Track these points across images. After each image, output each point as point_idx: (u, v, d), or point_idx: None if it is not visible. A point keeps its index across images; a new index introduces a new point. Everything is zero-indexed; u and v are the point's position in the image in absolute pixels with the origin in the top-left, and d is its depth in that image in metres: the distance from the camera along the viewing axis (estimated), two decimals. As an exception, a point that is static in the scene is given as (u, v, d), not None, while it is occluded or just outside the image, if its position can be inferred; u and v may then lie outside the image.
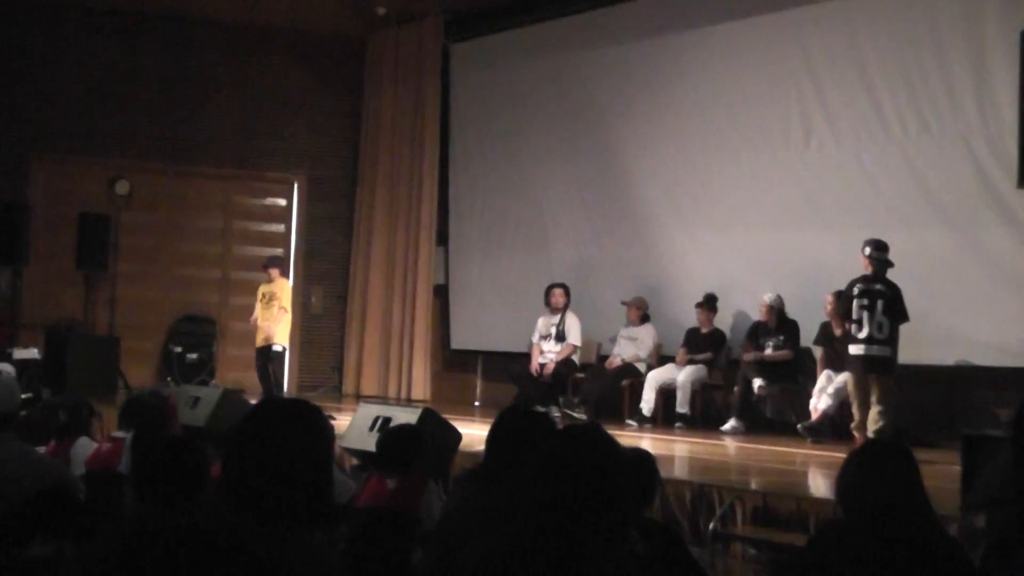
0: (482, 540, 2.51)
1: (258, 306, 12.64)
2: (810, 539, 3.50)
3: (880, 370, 8.76)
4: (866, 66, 10.17)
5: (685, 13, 11.70)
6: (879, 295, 8.75)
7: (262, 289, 12.70)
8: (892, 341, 8.78)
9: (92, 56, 14.03)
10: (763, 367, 10.26)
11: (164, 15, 14.11)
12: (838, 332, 9.58)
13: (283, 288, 12.89)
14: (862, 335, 8.76)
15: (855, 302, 8.81)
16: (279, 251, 14.19)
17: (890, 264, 8.89)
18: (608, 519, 2.43)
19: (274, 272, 12.83)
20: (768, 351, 10.33)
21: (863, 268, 8.89)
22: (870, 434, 8.57)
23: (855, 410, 8.88)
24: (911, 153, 9.87)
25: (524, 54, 13.31)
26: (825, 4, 10.54)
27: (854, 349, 8.82)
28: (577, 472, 2.45)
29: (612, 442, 2.61)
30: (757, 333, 10.51)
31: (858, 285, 8.83)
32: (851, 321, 8.82)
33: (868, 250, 8.88)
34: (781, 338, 10.30)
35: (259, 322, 12.57)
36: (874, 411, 8.69)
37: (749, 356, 10.35)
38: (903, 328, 8.84)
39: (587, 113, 12.54)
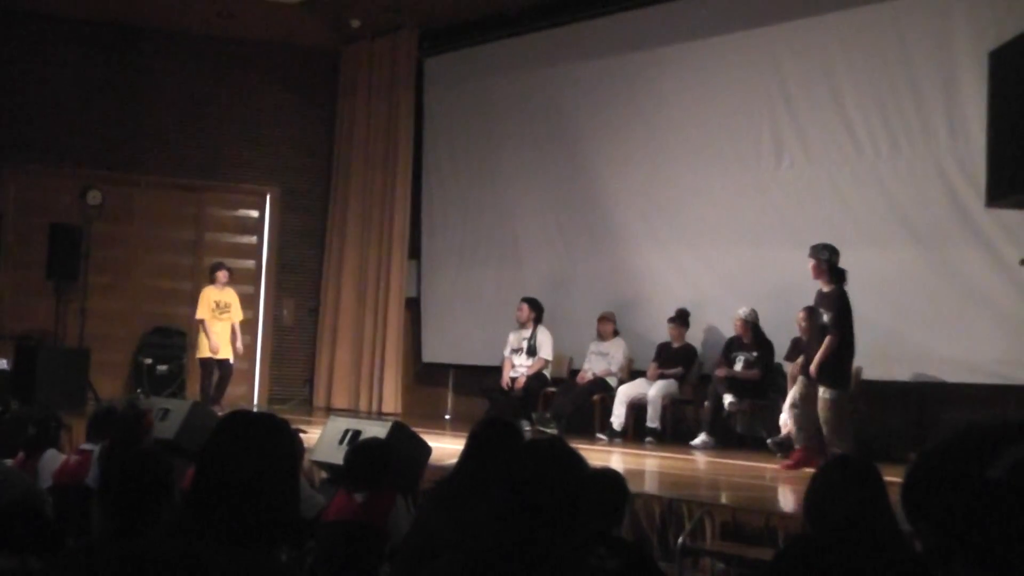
0: (448, 556, 2.51)
1: (211, 315, 12.51)
2: (777, 554, 3.51)
3: None
4: (838, 85, 10.24)
5: (659, 30, 11.75)
6: None
7: (215, 297, 12.59)
8: None
9: (64, 67, 13.95)
10: (733, 383, 10.27)
11: (137, 27, 14.05)
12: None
13: (235, 297, 12.82)
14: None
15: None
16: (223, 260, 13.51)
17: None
18: (573, 533, 2.43)
19: (226, 276, 12.72)
20: (739, 366, 10.35)
21: (813, 275, 8.58)
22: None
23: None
24: (882, 172, 9.94)
25: (498, 68, 13.33)
26: (798, 23, 10.62)
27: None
28: (539, 487, 2.43)
29: (575, 456, 2.60)
30: (731, 348, 10.53)
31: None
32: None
33: (827, 255, 8.47)
34: (754, 354, 10.32)
35: (214, 333, 12.49)
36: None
37: (721, 372, 10.37)
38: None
39: (561, 128, 12.57)
